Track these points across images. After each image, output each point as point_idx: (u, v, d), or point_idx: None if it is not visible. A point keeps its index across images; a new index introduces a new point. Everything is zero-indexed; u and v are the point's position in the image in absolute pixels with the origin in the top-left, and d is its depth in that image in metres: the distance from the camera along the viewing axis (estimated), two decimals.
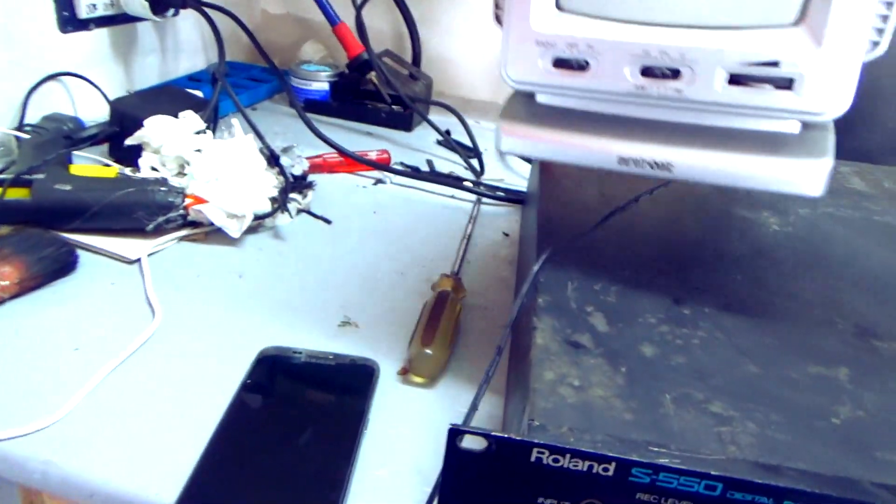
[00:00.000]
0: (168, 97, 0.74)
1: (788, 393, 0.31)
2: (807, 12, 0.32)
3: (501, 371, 0.46)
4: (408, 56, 1.06)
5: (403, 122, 0.92)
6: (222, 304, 0.51)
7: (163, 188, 0.58)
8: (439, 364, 0.45)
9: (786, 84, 0.33)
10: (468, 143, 0.86)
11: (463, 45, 1.09)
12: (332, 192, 0.73)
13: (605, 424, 0.28)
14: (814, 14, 0.31)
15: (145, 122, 0.65)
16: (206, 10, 0.85)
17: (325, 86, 0.94)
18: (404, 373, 0.45)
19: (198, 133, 0.67)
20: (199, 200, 0.58)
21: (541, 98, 0.39)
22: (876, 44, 0.32)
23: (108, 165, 0.67)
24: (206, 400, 0.40)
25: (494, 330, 0.51)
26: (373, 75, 0.89)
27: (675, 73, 0.34)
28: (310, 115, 0.94)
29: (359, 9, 0.80)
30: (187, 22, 0.95)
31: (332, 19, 0.91)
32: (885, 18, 0.32)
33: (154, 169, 0.65)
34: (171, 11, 0.82)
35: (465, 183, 0.75)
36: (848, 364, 0.34)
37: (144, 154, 0.65)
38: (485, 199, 0.73)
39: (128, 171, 0.63)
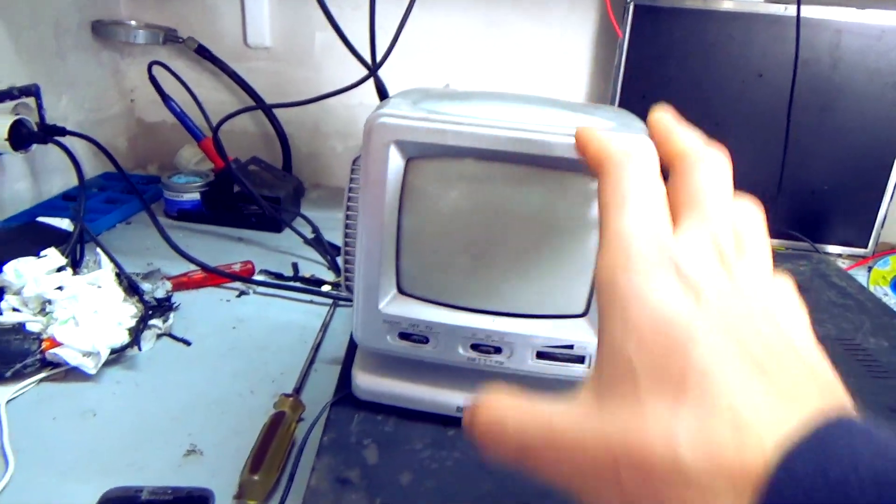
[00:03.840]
0: (30, 235, 0.78)
1: None
2: (589, 308, 0.43)
3: None
4: (279, 156, 1.14)
5: (273, 224, 0.99)
6: (74, 447, 0.55)
7: (17, 336, 0.62)
8: (267, 487, 0.51)
9: (579, 359, 0.44)
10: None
11: (330, 140, 1.17)
12: (196, 309, 0.78)
13: None
14: (593, 309, 0.43)
15: (4, 269, 0.69)
16: (71, 137, 0.90)
17: (197, 195, 1.00)
18: (239, 497, 0.51)
19: (59, 270, 0.72)
20: (54, 344, 0.63)
21: None
22: None
23: None
24: None
25: None
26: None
27: (498, 350, 0.44)
28: (183, 224, 1.00)
29: (215, 131, 0.86)
30: None
31: (196, 135, 0.97)
32: None
33: (16, 310, 0.69)
34: (34, 147, 0.86)
35: (324, 287, 0.82)
36: None
37: (6, 297, 0.69)
38: (343, 302, 0.80)
39: None
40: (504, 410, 0.27)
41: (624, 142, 0.29)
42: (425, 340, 0.44)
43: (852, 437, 0.19)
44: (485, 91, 0.52)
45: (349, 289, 0.46)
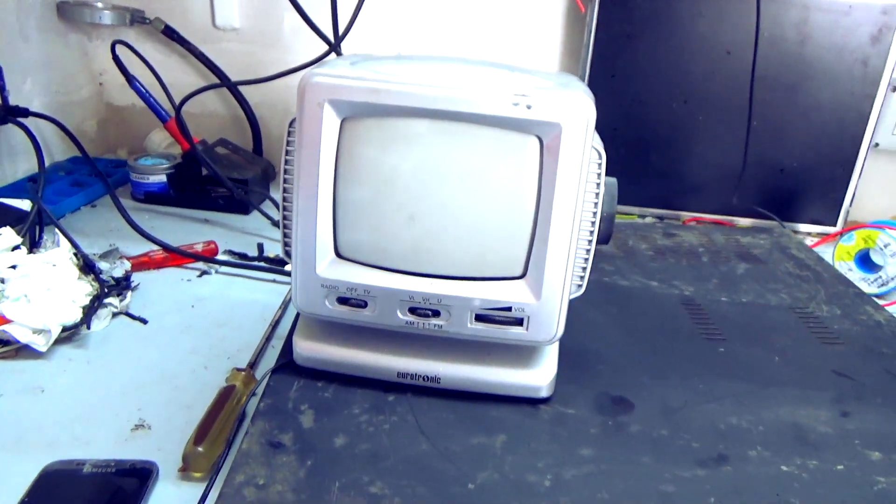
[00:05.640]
0: None
1: (444, 465, 0.39)
2: (527, 269, 0.43)
3: None
4: (250, 138, 1.13)
5: (240, 206, 0.98)
6: (19, 423, 0.55)
7: None
8: (212, 459, 0.51)
9: (517, 322, 0.43)
10: None
11: None
12: (156, 288, 0.77)
13: None
14: (532, 272, 0.42)
15: None
16: (38, 120, 0.89)
17: (163, 177, 0.99)
18: (183, 470, 0.51)
19: (14, 249, 0.71)
20: (4, 321, 0.62)
21: None
22: (580, 286, 0.44)
23: None
24: None
25: None
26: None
27: (436, 313, 0.43)
28: (150, 207, 0.99)
29: (177, 110, 0.85)
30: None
31: (161, 116, 0.96)
32: (584, 269, 0.44)
33: None
34: None
35: (287, 266, 0.81)
36: (508, 431, 0.42)
37: None
38: None
39: None
40: None
41: None
42: (363, 305, 0.44)
43: None
44: (425, 54, 0.52)
45: (287, 254, 0.45)
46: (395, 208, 0.42)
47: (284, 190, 0.44)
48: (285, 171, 0.44)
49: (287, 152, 0.44)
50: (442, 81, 0.40)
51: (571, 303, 0.43)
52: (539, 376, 0.45)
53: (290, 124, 0.44)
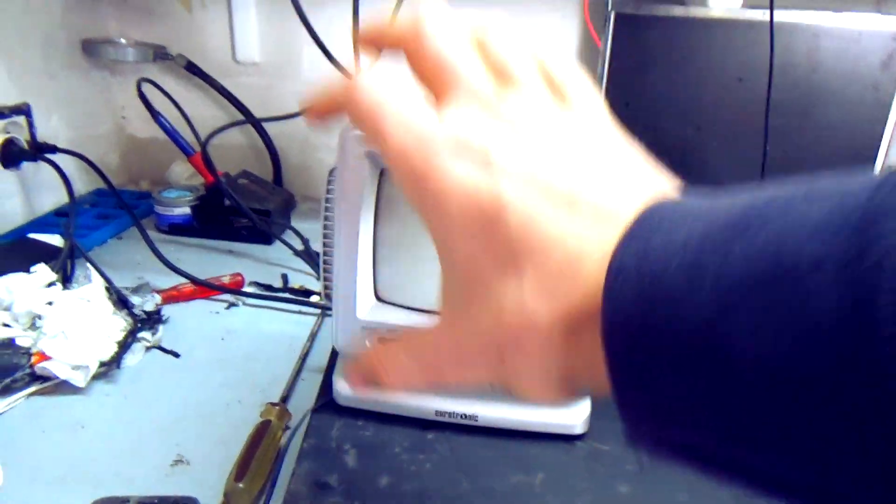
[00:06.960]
0: (21, 251, 0.79)
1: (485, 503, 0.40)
2: None
3: None
4: (270, 170, 1.15)
5: (263, 237, 1.00)
6: (63, 460, 0.56)
7: (7, 351, 0.63)
8: (252, 495, 0.52)
9: None
10: None
11: (320, 153, 1.19)
12: (185, 321, 0.79)
13: None
14: None
15: None
16: (63, 155, 0.91)
17: (188, 209, 1.01)
18: None
19: (49, 285, 0.73)
20: (44, 357, 0.64)
21: None
22: None
23: None
24: None
25: None
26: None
27: None
28: (175, 238, 1.01)
29: (203, 146, 0.88)
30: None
31: (186, 151, 0.99)
32: None
33: (7, 325, 0.70)
34: (24, 164, 0.88)
35: (313, 297, 0.83)
36: (546, 469, 0.43)
37: None
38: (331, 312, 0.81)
39: None
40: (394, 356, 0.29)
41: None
42: None
43: (662, 225, 0.21)
44: None
45: (329, 297, 0.47)
46: (433, 254, 0.43)
47: (325, 237, 0.46)
48: (325, 219, 0.46)
49: (327, 200, 0.46)
50: None
51: None
52: (574, 414, 0.47)
53: (330, 173, 0.46)
